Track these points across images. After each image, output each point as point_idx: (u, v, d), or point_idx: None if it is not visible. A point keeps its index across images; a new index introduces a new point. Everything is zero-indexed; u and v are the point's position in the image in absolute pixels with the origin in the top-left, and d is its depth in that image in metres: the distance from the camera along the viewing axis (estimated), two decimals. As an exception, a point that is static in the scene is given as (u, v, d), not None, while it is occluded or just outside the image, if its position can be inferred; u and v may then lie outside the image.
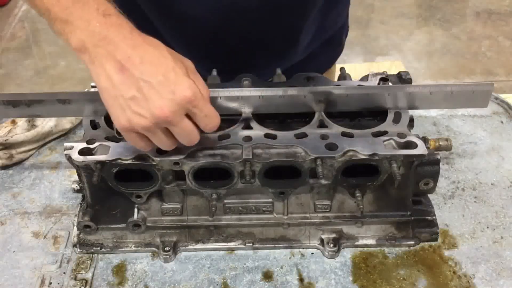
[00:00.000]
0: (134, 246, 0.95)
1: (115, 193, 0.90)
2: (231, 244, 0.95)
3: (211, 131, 0.79)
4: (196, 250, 0.95)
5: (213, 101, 0.83)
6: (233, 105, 0.90)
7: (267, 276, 0.91)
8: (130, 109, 0.72)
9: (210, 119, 0.77)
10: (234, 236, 0.96)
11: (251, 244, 0.95)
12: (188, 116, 0.75)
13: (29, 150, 1.16)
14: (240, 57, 1.12)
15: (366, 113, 0.95)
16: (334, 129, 0.90)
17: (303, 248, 0.95)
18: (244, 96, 0.90)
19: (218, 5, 1.01)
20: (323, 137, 0.87)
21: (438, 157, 0.89)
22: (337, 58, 1.37)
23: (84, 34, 0.72)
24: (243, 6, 1.01)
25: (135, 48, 0.72)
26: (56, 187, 1.09)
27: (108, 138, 0.88)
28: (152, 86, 0.71)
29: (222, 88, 0.92)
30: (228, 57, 1.12)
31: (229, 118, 0.91)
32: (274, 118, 0.95)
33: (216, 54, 1.13)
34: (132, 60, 0.71)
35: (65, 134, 1.21)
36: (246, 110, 0.91)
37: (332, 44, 1.30)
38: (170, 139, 0.77)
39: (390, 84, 0.98)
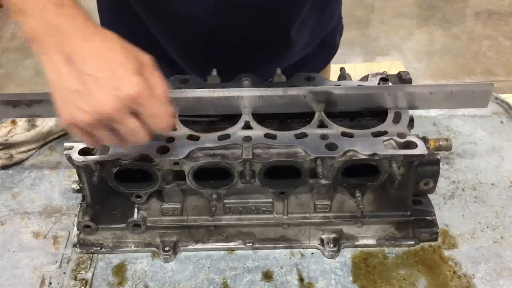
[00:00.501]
0: (134, 246, 0.95)
1: (115, 193, 0.90)
2: (231, 244, 0.95)
3: (164, 132, 0.77)
4: (196, 250, 0.95)
5: (177, 101, 0.82)
6: (203, 106, 0.90)
7: (267, 276, 0.91)
8: (73, 103, 0.70)
9: (158, 119, 0.74)
10: (234, 236, 0.96)
11: (251, 244, 0.95)
12: (137, 114, 0.73)
13: (29, 150, 1.16)
14: (236, 57, 1.11)
15: (366, 113, 0.95)
16: (334, 129, 0.90)
17: (303, 248, 0.95)
18: (244, 96, 0.90)
19: (213, 4, 1.01)
20: (323, 137, 0.87)
21: (438, 157, 0.89)
22: (331, 58, 1.37)
23: (36, 23, 0.71)
24: (238, 5, 1.01)
25: (85, 41, 0.70)
26: (56, 187, 1.09)
27: (108, 138, 0.88)
28: (97, 81, 0.69)
29: (222, 88, 0.92)
30: (226, 57, 1.11)
31: (228, 118, 0.91)
32: (274, 118, 0.95)
33: (212, 54, 1.13)
34: (80, 52, 0.70)
35: (65, 134, 1.21)
36: (212, 112, 0.91)
37: (326, 44, 1.30)
38: (116, 136, 0.75)
39: (390, 84, 0.98)
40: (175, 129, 0.89)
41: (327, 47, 1.32)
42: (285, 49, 1.16)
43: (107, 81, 0.69)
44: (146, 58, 0.75)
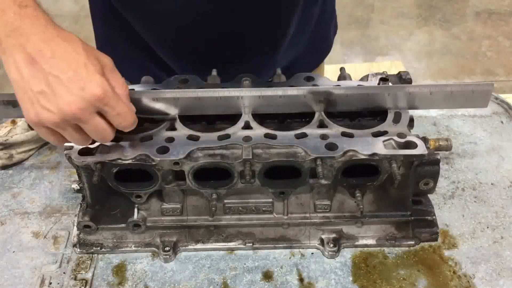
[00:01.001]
0: (134, 246, 0.95)
1: (115, 193, 0.90)
2: (231, 244, 0.95)
3: (127, 130, 0.79)
4: (196, 250, 0.95)
5: (137, 101, 0.83)
6: (160, 106, 0.90)
7: (267, 276, 0.91)
8: (38, 103, 0.72)
9: (123, 118, 0.77)
10: (234, 236, 0.96)
11: (251, 244, 0.95)
12: (101, 114, 0.75)
13: (29, 150, 1.16)
14: (219, 54, 1.11)
15: (366, 113, 0.95)
16: (334, 129, 0.90)
17: (303, 248, 0.95)
18: (244, 96, 0.90)
19: (201, 3, 1.01)
20: (323, 137, 0.87)
21: (438, 157, 0.89)
22: (324, 57, 1.36)
23: None
24: (226, 2, 1.01)
25: (47, 42, 0.71)
26: (56, 187, 1.09)
27: (108, 138, 0.88)
28: (62, 82, 0.71)
29: (222, 88, 0.92)
30: (215, 57, 1.11)
31: (228, 118, 0.91)
32: (274, 118, 0.95)
33: (200, 53, 1.12)
34: (43, 53, 0.71)
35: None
36: (173, 112, 0.91)
37: (319, 41, 1.29)
38: (82, 135, 0.77)
39: (390, 84, 0.98)
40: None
41: (320, 45, 1.31)
42: (274, 41, 1.14)
43: (72, 81, 0.71)
44: (106, 59, 0.78)
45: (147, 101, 0.89)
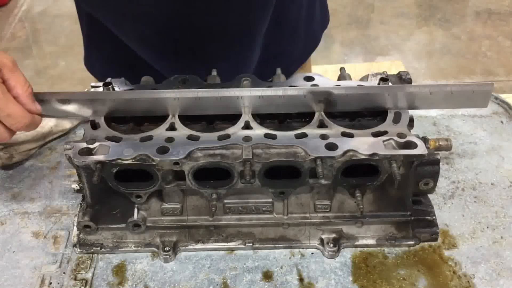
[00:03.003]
0: (134, 246, 0.95)
1: (115, 193, 0.90)
2: (231, 244, 0.95)
3: (28, 131, 0.81)
4: (196, 250, 0.95)
5: (47, 102, 0.86)
6: (73, 108, 0.90)
7: (267, 276, 0.91)
8: None
9: (15, 119, 0.78)
10: (234, 236, 0.96)
11: (251, 244, 0.95)
12: None
13: (29, 150, 1.16)
14: (198, 53, 1.11)
15: (366, 113, 0.95)
16: (334, 129, 0.90)
17: (303, 248, 0.95)
18: (244, 96, 0.90)
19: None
20: (323, 137, 0.87)
21: (438, 157, 0.89)
22: (311, 52, 1.34)
23: None
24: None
25: None
26: (56, 187, 1.09)
27: (108, 138, 0.88)
28: None
29: (222, 88, 0.92)
30: (182, 51, 1.11)
31: (228, 118, 0.91)
32: (274, 118, 0.95)
33: (177, 53, 1.12)
34: None
35: (65, 134, 1.21)
36: (87, 113, 0.91)
37: (300, 35, 1.26)
38: None
39: (390, 84, 0.98)
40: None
41: (303, 38, 1.28)
42: (251, 38, 1.14)
43: None
44: (6, 59, 0.79)
45: (57, 102, 0.89)
